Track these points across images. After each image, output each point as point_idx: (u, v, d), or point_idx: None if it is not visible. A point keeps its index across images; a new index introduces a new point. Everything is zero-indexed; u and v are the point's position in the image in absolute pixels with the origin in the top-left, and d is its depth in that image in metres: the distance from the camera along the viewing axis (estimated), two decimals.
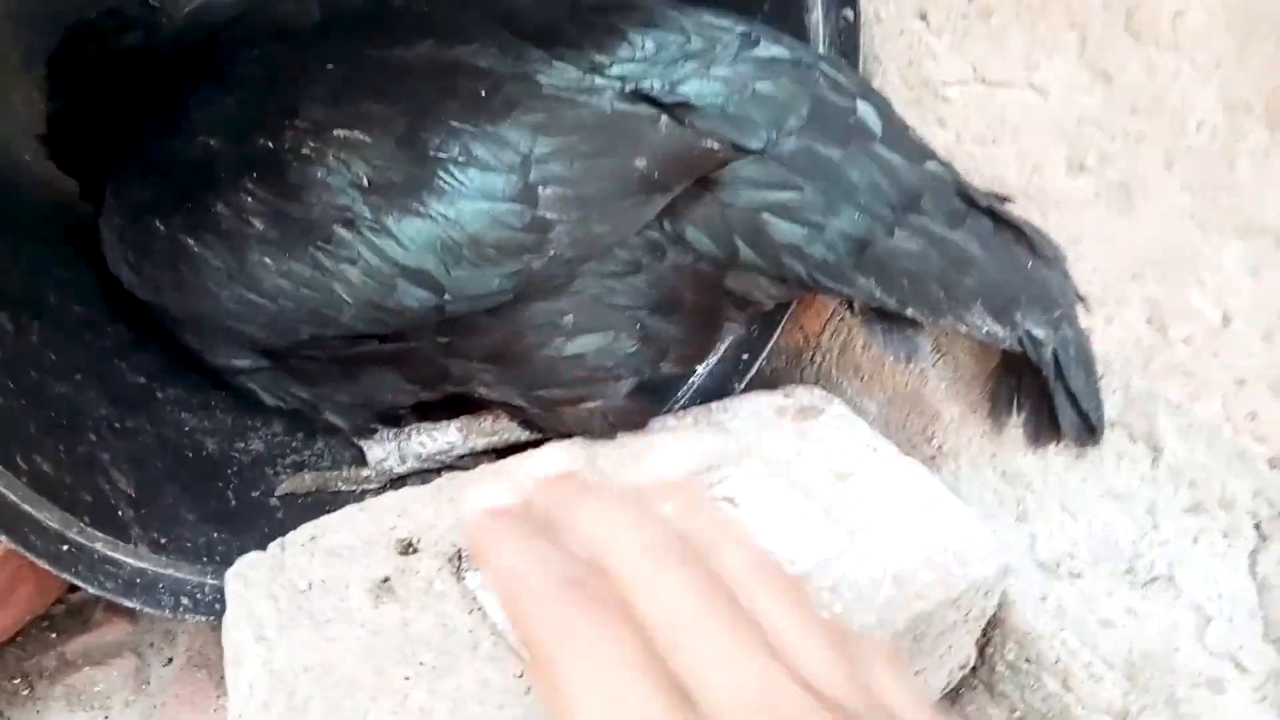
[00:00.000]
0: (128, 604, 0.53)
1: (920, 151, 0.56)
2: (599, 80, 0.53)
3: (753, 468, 0.62)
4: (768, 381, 0.72)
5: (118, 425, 0.62)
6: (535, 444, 0.65)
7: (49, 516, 0.50)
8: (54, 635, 0.62)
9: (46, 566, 0.49)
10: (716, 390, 0.71)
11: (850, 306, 0.59)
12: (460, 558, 0.52)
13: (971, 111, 0.59)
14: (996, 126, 0.58)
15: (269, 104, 0.56)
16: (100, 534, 0.52)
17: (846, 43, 0.61)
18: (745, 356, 0.71)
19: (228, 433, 0.69)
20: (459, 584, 0.51)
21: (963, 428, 0.64)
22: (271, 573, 0.50)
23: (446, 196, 0.52)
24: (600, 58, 0.54)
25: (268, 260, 0.54)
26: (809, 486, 0.60)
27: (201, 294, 0.57)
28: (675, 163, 0.52)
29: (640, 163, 0.51)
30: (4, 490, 0.48)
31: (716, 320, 0.62)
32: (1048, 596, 0.60)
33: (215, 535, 0.59)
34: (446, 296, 0.53)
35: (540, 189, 0.51)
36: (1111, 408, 0.56)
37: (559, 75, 0.53)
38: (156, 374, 0.70)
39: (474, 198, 0.51)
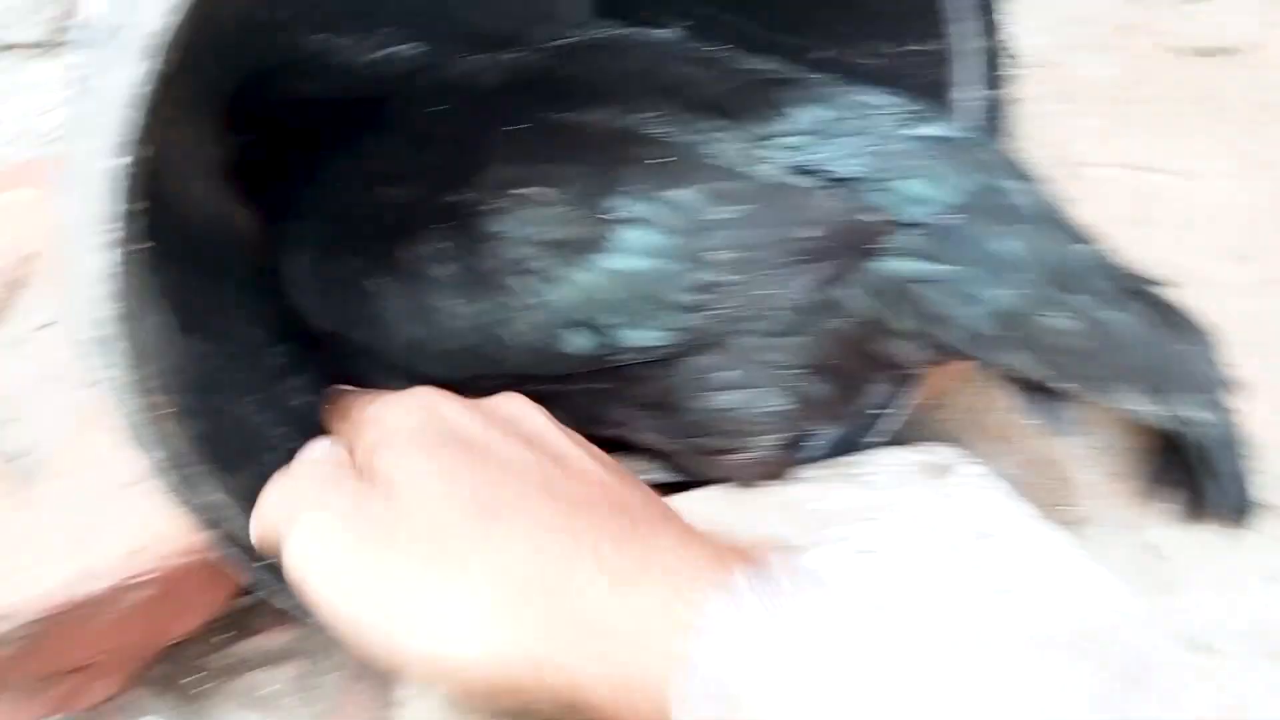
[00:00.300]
0: (310, 619, 0.55)
1: (1074, 233, 0.58)
2: (761, 152, 0.56)
3: (892, 522, 0.63)
4: (898, 436, 0.74)
5: (289, 445, 0.65)
6: (681, 485, 0.68)
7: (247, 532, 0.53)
8: (223, 636, 0.66)
9: (250, 581, 0.52)
10: (849, 444, 0.73)
11: (1002, 376, 0.61)
12: None
13: (1120, 195, 0.61)
14: (1145, 210, 0.60)
15: (458, 160, 0.60)
16: None
17: (991, 122, 0.64)
18: (880, 412, 0.72)
19: None
20: None
21: (1102, 495, 0.66)
22: None
23: (616, 255, 0.55)
24: (768, 131, 0.56)
25: (442, 304, 0.58)
26: (951, 544, 0.62)
27: (379, 330, 0.61)
28: (836, 234, 0.54)
29: (804, 232, 0.54)
30: (221, 510, 0.50)
31: (862, 382, 0.64)
32: (1187, 670, 0.61)
33: None
34: (605, 348, 0.56)
35: (706, 253, 0.54)
36: (1268, 491, 0.57)
37: (724, 147, 0.56)
38: (316, 396, 0.73)
39: (642, 256, 0.54)
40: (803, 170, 0.55)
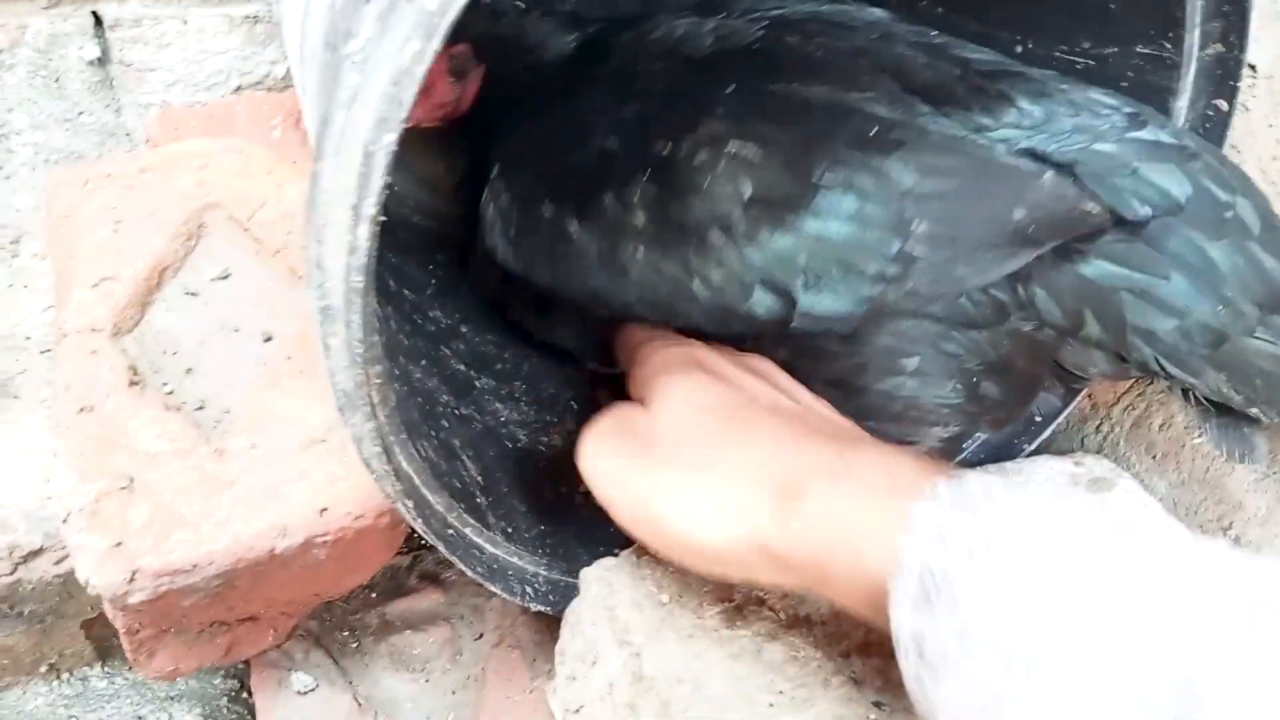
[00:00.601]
0: (492, 588, 0.57)
1: None
2: (983, 139, 0.55)
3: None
4: (1053, 444, 0.73)
5: (457, 411, 0.66)
6: None
7: (440, 501, 0.54)
8: (374, 596, 0.68)
9: (443, 549, 0.53)
10: (1004, 448, 0.72)
11: (1185, 395, 0.60)
12: None
13: None
14: None
15: (669, 115, 0.60)
16: (471, 519, 0.56)
17: (1212, 131, 0.62)
18: (1038, 419, 0.71)
19: (532, 426, 0.73)
20: (796, 613, 0.54)
21: (1269, 523, 0.64)
22: (634, 580, 0.54)
23: (821, 218, 0.54)
24: (987, 120, 0.56)
25: (640, 252, 0.59)
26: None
27: (572, 273, 0.63)
28: (1052, 219, 0.53)
29: (1018, 214, 0.53)
30: (415, 477, 0.52)
31: (1036, 388, 0.63)
32: None
33: (542, 528, 0.63)
34: (798, 310, 0.56)
35: (913, 224, 0.53)
36: None
37: (945, 128, 0.55)
38: (471, 362, 0.74)
39: (848, 221, 0.54)
40: (1027, 152, 0.54)
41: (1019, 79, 0.57)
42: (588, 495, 0.69)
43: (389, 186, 0.44)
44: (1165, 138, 0.55)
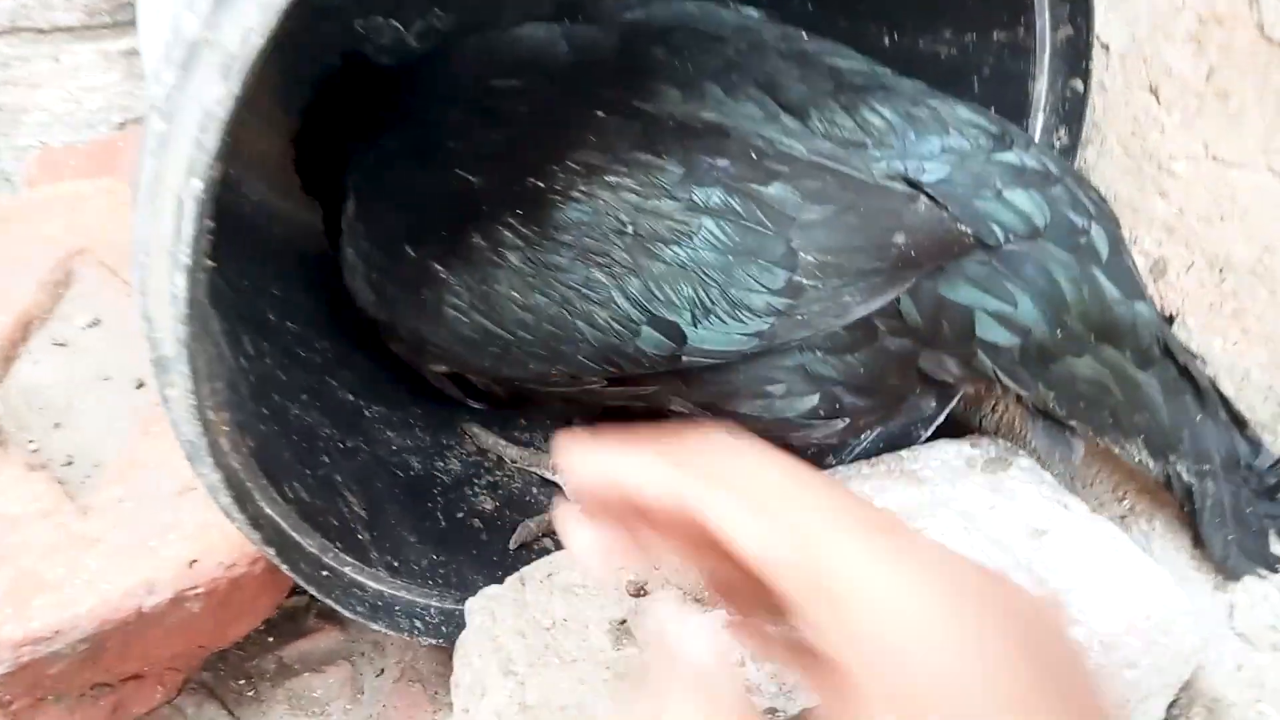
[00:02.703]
0: (375, 626, 0.55)
1: (1136, 288, 0.57)
2: (857, 160, 0.54)
3: (947, 519, 0.63)
4: (950, 427, 0.74)
5: (341, 444, 0.65)
6: None
7: (311, 543, 0.53)
8: (271, 639, 0.66)
9: (314, 592, 0.52)
10: (901, 436, 0.72)
11: (1018, 399, 0.61)
12: (684, 600, 0.54)
13: (1198, 188, 0.59)
14: (1226, 205, 0.58)
15: (537, 144, 0.57)
16: (349, 558, 0.55)
17: (1071, 112, 0.62)
18: (933, 405, 0.71)
19: (428, 451, 0.72)
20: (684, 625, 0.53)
21: (1160, 490, 0.65)
22: (516, 608, 0.53)
23: (709, 251, 0.53)
24: (859, 137, 0.55)
25: (515, 293, 0.56)
26: (1005, 542, 0.61)
27: (439, 320, 0.59)
28: (929, 243, 0.53)
29: (899, 238, 0.52)
30: (280, 521, 0.50)
31: (905, 395, 0.63)
32: (1244, 666, 0.60)
33: (434, 557, 0.62)
34: (687, 346, 0.55)
35: (801, 254, 0.52)
36: None
37: (821, 149, 0.54)
38: (360, 391, 0.73)
39: (737, 255, 0.53)
40: (895, 175, 0.53)
41: (890, 94, 0.56)
42: (487, 520, 0.69)
43: (211, 232, 0.43)
44: (1029, 161, 0.55)
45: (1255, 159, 0.56)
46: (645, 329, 0.55)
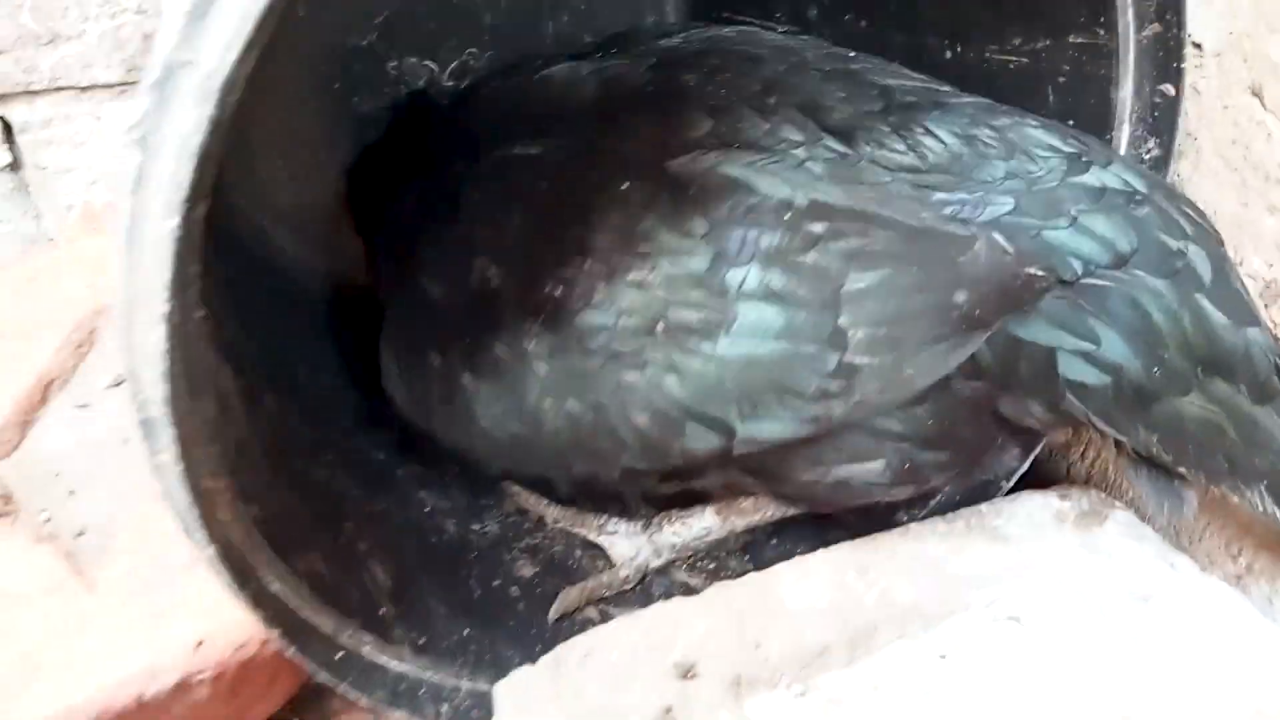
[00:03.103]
0: (396, 713, 0.50)
1: (1247, 313, 0.50)
2: (907, 188, 0.49)
3: (1036, 582, 0.56)
4: (1035, 476, 0.67)
5: (368, 508, 0.61)
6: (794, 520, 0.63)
7: (324, 622, 0.48)
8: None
9: (326, 677, 0.47)
10: (979, 488, 0.66)
11: (1118, 445, 0.53)
12: (740, 683, 0.48)
13: None
14: None
15: (558, 232, 0.53)
16: (368, 636, 0.50)
17: (1162, 120, 0.56)
18: (1017, 454, 0.65)
19: (464, 513, 0.67)
20: (740, 712, 0.47)
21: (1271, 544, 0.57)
22: (549, 693, 0.47)
23: (749, 339, 0.48)
24: (912, 159, 0.50)
25: (549, 403, 0.53)
26: (1103, 607, 0.54)
27: (474, 428, 0.56)
28: (997, 295, 0.47)
29: (960, 296, 0.46)
30: (287, 599, 0.46)
31: (985, 448, 0.56)
32: None
33: (466, 631, 0.57)
34: (737, 440, 0.50)
35: (851, 331, 0.47)
36: None
37: (863, 182, 0.49)
38: (393, 450, 0.69)
39: (775, 338, 0.48)
40: (951, 213, 0.47)
41: (947, 111, 0.51)
42: (525, 588, 0.63)
43: (198, 277, 0.39)
44: (1110, 181, 0.49)
45: None
46: (690, 425, 0.50)
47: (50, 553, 0.54)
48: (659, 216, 0.50)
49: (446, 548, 0.63)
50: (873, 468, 0.52)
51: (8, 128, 0.90)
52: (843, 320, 0.47)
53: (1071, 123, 0.59)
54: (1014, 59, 0.61)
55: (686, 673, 0.48)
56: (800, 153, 0.50)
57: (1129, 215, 0.48)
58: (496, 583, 0.62)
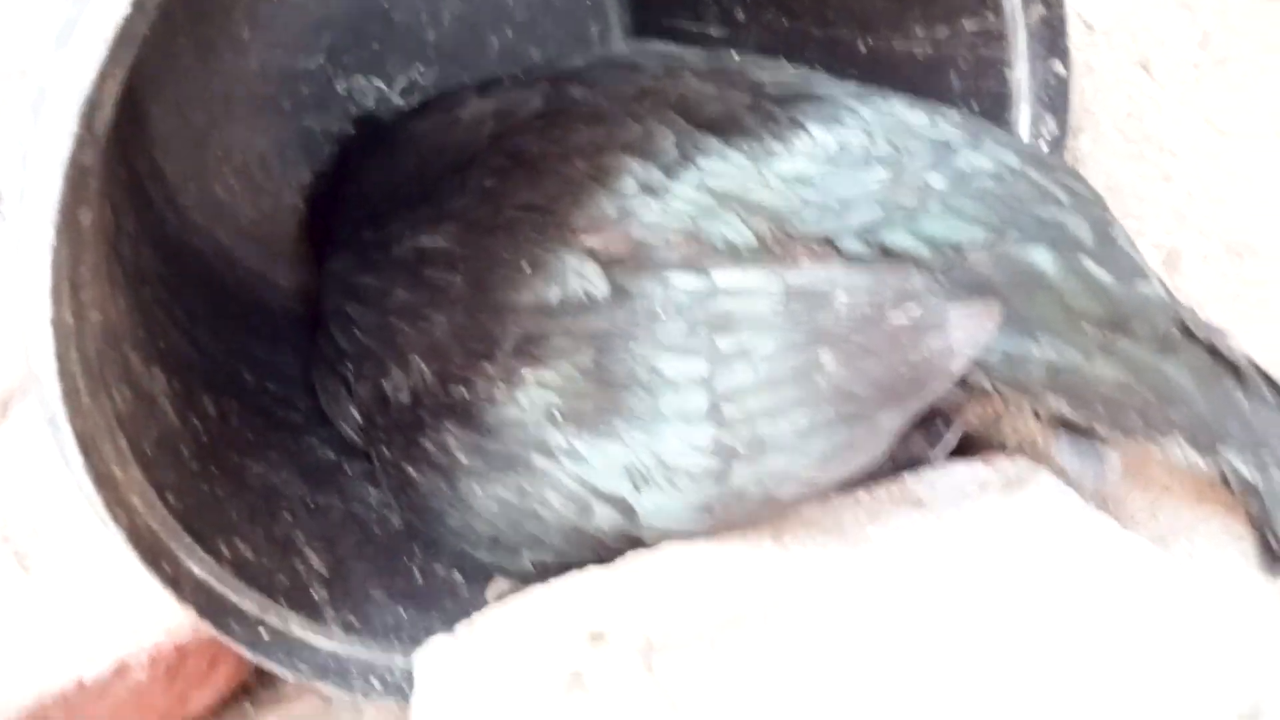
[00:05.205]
0: (320, 686, 0.52)
1: (1135, 269, 0.52)
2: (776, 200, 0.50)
3: (957, 550, 0.57)
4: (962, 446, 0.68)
5: (310, 503, 0.63)
6: None
7: (248, 602, 0.50)
8: (249, 706, 0.63)
9: (246, 653, 0.49)
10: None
11: (1035, 414, 0.56)
12: (651, 648, 0.50)
13: (1205, 166, 0.54)
14: (1239, 183, 0.53)
15: (458, 347, 0.56)
16: (296, 616, 0.52)
17: (1056, 98, 0.58)
18: (939, 422, 0.66)
19: None
20: (650, 676, 0.49)
21: (1200, 503, 0.58)
22: (463, 659, 0.49)
23: (636, 421, 0.50)
24: (778, 148, 0.52)
25: (477, 488, 0.55)
26: (1029, 575, 0.56)
27: (431, 515, 0.59)
28: (875, 364, 0.48)
29: (826, 359, 0.48)
30: (207, 579, 0.48)
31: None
32: None
33: (403, 614, 0.59)
34: (640, 523, 0.52)
35: (723, 404, 0.49)
36: None
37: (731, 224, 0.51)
38: (345, 448, 0.71)
39: (665, 419, 0.50)
40: (816, 235, 0.49)
41: (814, 102, 0.53)
42: (469, 573, 0.65)
43: (90, 283, 0.42)
44: (980, 164, 0.51)
45: (1264, 126, 0.51)
46: (596, 504, 0.52)
47: None
48: (545, 319, 0.53)
49: (390, 539, 0.65)
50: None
51: None
52: (719, 388, 0.49)
53: (974, 104, 0.61)
54: (919, 47, 0.63)
55: (597, 638, 0.50)
56: (673, 150, 0.52)
57: (1003, 191, 0.49)
58: (439, 570, 0.64)
